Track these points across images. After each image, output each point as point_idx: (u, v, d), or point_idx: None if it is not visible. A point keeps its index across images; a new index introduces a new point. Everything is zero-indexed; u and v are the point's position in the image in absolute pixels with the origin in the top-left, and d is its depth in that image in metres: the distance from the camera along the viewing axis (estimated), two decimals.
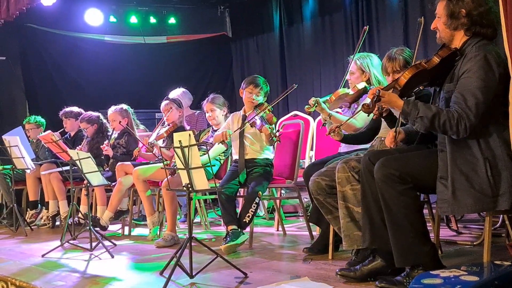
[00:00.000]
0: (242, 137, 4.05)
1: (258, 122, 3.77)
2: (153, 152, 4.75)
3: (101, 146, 5.04)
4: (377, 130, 3.31)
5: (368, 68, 3.64)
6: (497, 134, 2.41)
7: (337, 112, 3.78)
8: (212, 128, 4.54)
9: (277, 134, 3.71)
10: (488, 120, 2.41)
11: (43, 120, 6.27)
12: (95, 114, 5.51)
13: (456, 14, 2.48)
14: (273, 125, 3.78)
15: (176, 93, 5.59)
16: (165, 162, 4.26)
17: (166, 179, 4.05)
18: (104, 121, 5.49)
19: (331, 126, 3.28)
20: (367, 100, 2.63)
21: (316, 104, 3.50)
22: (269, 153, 4.11)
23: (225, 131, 3.96)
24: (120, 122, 5.04)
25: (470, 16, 2.46)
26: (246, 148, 4.04)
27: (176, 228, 4.32)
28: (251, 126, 3.84)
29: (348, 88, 3.69)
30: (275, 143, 3.89)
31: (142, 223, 5.32)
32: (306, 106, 3.58)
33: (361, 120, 3.52)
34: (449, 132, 2.41)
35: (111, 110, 5.18)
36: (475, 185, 2.39)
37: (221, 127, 4.25)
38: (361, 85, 3.58)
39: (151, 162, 4.88)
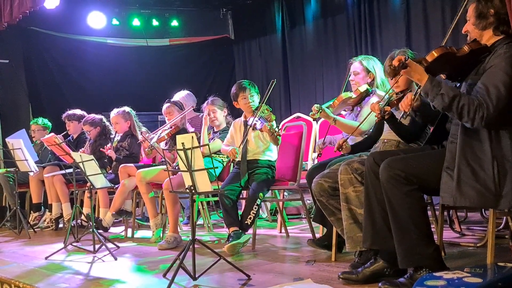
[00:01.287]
0: (245, 141, 4.07)
1: (259, 124, 3.82)
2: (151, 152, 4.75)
3: (104, 147, 5.05)
4: (381, 134, 3.31)
5: (373, 69, 3.67)
6: (509, 135, 2.40)
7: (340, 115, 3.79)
8: (213, 129, 4.56)
9: (277, 129, 3.76)
10: (504, 119, 2.39)
11: (49, 124, 6.31)
12: (98, 116, 5.52)
13: (485, 14, 2.50)
14: (273, 122, 3.82)
15: (180, 95, 5.59)
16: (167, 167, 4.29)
17: (167, 179, 4.08)
18: (107, 123, 5.51)
19: (339, 141, 3.28)
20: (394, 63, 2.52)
21: (320, 110, 3.51)
22: (271, 155, 4.12)
23: (233, 149, 3.99)
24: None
25: (498, 15, 2.48)
26: (249, 151, 4.06)
27: (179, 230, 4.33)
28: (253, 130, 3.90)
29: (350, 91, 3.70)
30: (279, 141, 3.92)
31: (146, 223, 5.33)
32: (310, 113, 3.59)
33: (366, 123, 3.52)
34: (464, 117, 2.39)
35: (114, 112, 5.20)
36: (480, 180, 2.39)
37: (226, 139, 4.28)
38: (364, 87, 3.60)
39: (153, 164, 4.89)
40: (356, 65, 3.71)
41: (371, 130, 3.52)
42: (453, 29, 2.62)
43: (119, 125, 5.17)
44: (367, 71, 3.67)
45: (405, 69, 2.45)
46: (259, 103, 4.06)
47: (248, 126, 3.97)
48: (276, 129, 3.76)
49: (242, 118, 4.21)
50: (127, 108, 5.24)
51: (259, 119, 3.85)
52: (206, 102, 4.54)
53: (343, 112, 3.96)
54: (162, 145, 4.69)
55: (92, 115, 5.54)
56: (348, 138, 3.34)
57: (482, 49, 2.51)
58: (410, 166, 2.50)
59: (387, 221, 2.55)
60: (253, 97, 4.09)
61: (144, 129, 5.57)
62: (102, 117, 5.55)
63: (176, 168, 4.13)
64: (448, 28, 2.64)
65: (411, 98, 2.66)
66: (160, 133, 4.70)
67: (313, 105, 3.55)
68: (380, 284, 2.51)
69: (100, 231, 4.54)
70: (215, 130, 4.54)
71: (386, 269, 2.66)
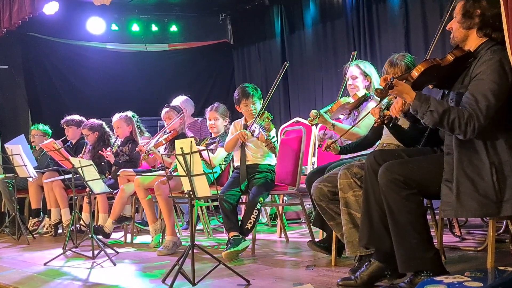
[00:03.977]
0: (243, 146, 4.07)
1: (257, 131, 3.83)
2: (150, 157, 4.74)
3: (103, 149, 5.03)
4: (378, 136, 3.30)
5: (370, 72, 3.68)
6: (505, 139, 2.40)
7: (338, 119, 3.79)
8: (211, 135, 4.55)
9: (273, 140, 3.76)
10: (497, 125, 2.39)
11: (50, 131, 6.31)
12: (98, 122, 5.52)
13: (471, 14, 2.49)
14: (270, 132, 3.83)
15: (179, 100, 5.60)
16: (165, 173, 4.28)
17: (157, 182, 4.12)
18: (107, 129, 5.50)
19: (327, 142, 3.29)
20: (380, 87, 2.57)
21: (318, 116, 3.51)
22: (270, 160, 4.11)
23: (241, 131, 3.96)
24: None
25: (483, 17, 2.47)
26: (248, 155, 4.06)
27: (178, 235, 4.31)
28: (252, 135, 3.90)
29: (348, 96, 3.70)
30: (277, 151, 3.92)
31: (145, 228, 5.31)
32: (308, 119, 3.59)
33: (364, 127, 3.52)
34: (456, 130, 2.38)
35: (116, 117, 5.21)
36: (480, 189, 2.38)
37: (227, 138, 4.26)
38: (362, 92, 3.61)
39: (153, 169, 4.88)
40: (353, 69, 3.71)
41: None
42: (441, 31, 2.62)
43: (120, 129, 5.18)
44: (365, 74, 3.68)
45: (392, 89, 2.45)
46: (261, 109, 4.05)
47: (248, 130, 3.96)
48: (272, 140, 3.76)
49: (242, 121, 4.21)
50: (129, 113, 5.24)
51: (258, 125, 3.85)
52: (210, 107, 4.51)
53: (341, 116, 3.96)
54: (162, 150, 4.68)
55: (92, 120, 5.54)
56: (337, 140, 3.33)
57: (466, 55, 2.51)
58: (409, 170, 2.49)
59: (385, 221, 2.54)
60: (255, 105, 4.08)
61: (147, 134, 5.58)
62: (102, 123, 5.54)
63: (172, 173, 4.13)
64: (435, 35, 2.65)
65: (402, 103, 2.66)
66: (158, 138, 4.70)
67: (312, 110, 3.55)
68: None
69: (100, 236, 4.52)
70: (213, 136, 4.53)
71: (382, 270, 2.65)
